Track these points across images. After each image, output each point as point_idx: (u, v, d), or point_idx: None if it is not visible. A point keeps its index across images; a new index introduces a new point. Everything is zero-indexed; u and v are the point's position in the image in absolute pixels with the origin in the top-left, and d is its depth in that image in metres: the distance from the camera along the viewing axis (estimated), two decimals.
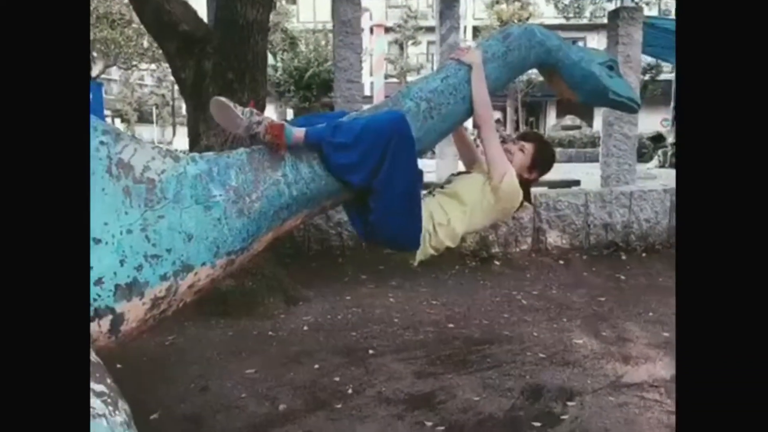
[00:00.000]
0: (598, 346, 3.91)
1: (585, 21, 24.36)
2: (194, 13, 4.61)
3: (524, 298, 4.96)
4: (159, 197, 1.75)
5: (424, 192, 2.29)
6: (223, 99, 1.97)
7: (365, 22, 26.30)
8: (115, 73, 30.22)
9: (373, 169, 1.97)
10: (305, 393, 3.19)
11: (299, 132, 1.98)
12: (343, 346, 3.86)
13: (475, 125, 2.26)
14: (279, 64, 25.08)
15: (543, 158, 2.38)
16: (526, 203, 2.50)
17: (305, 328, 4.20)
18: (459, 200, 2.25)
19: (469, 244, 5.92)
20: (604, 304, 4.83)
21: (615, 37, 6.79)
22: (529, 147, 2.35)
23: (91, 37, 21.33)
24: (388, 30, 27.63)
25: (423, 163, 2.49)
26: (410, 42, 26.44)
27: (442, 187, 2.36)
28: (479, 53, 2.25)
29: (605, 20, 7.48)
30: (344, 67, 6.54)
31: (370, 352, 3.75)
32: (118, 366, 3.49)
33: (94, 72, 24.03)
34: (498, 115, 28.60)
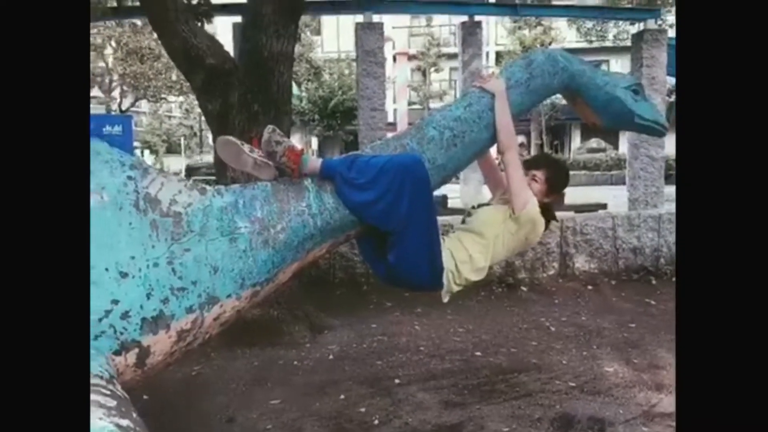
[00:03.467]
0: (629, 373, 3.82)
1: (608, 44, 24.33)
2: (220, 46, 4.71)
3: (552, 325, 4.88)
4: (185, 230, 1.77)
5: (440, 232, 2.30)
6: (228, 137, 2.00)
7: (388, 51, 26.70)
8: (144, 105, 30.99)
9: (388, 209, 1.98)
10: (331, 424, 3.16)
11: (315, 162, 2.00)
12: (369, 375, 3.82)
13: (499, 152, 2.26)
14: (304, 94, 25.47)
15: (557, 180, 2.37)
16: (552, 222, 2.48)
17: (330, 357, 4.18)
18: (479, 235, 2.25)
19: (495, 269, 5.86)
20: (634, 331, 4.73)
21: (639, 60, 6.76)
22: (540, 174, 2.34)
23: (121, 71, 21.98)
24: (410, 58, 27.91)
25: (448, 189, 2.50)
26: (433, 69, 26.65)
27: (462, 222, 2.35)
28: (502, 81, 2.25)
29: (628, 43, 7.45)
30: (367, 95, 6.60)
31: (396, 381, 3.71)
32: (145, 397, 3.51)
33: (124, 105, 24.71)
34: (522, 138, 28.54)
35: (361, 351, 4.28)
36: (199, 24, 5.13)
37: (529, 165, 2.35)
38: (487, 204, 2.46)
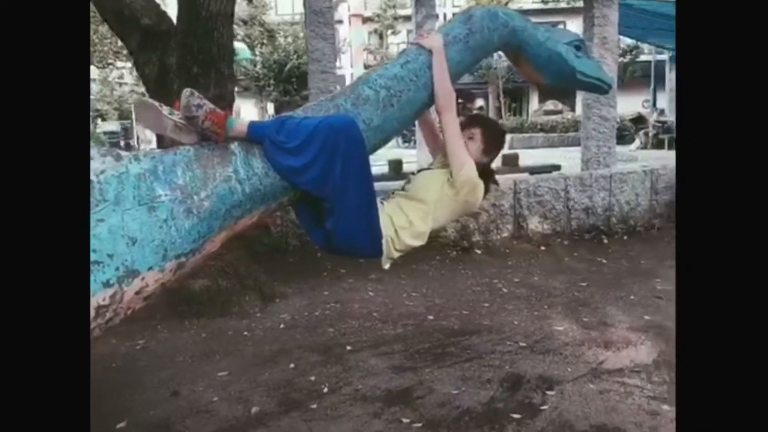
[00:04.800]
0: (579, 332, 3.86)
1: (563, 5, 24.34)
2: (156, 6, 4.48)
3: (505, 286, 4.90)
4: (98, 199, 1.65)
5: (380, 198, 2.22)
6: (146, 99, 1.87)
7: (343, 13, 26.18)
8: (94, 73, 29.78)
9: (321, 174, 1.90)
10: (279, 394, 3.10)
11: (241, 124, 1.89)
12: (320, 343, 3.77)
13: (437, 112, 2.18)
14: (258, 58, 24.83)
15: (493, 139, 2.31)
16: (495, 187, 2.43)
17: (282, 326, 4.11)
18: (419, 200, 2.18)
19: (450, 233, 5.84)
20: (585, 290, 4.79)
21: (591, 19, 6.73)
22: (477, 132, 2.27)
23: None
24: (366, 20, 27.45)
25: (404, 153, 2.42)
26: (390, 32, 26.27)
27: (402, 188, 2.28)
28: (440, 37, 2.16)
29: (582, 4, 7.40)
30: (317, 57, 6.41)
31: (348, 348, 3.67)
32: None
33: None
34: (480, 102, 28.55)
35: (313, 319, 4.22)
36: None
37: (464, 125, 2.27)
38: (428, 168, 2.38)
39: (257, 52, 25.14)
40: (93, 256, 1.61)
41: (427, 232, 2.23)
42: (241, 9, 25.54)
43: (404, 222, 2.16)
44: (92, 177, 1.66)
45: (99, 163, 1.71)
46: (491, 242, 6.03)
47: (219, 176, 1.84)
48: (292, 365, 3.45)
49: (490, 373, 3.28)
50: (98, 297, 1.64)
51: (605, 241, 6.24)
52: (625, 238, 6.34)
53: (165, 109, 1.84)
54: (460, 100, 28.91)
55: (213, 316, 4.24)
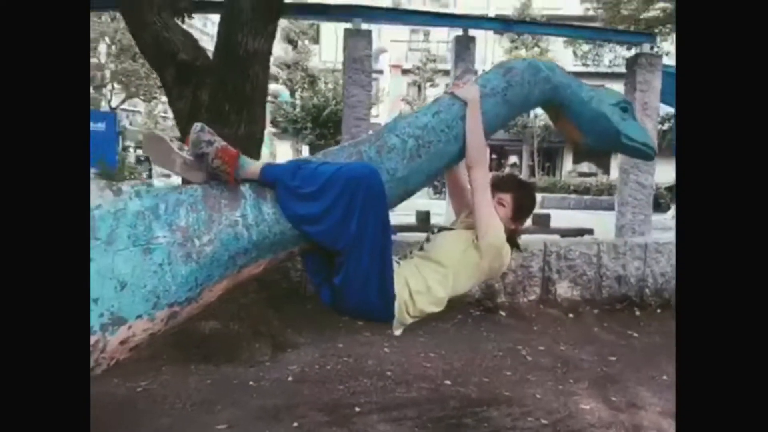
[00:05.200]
0: (607, 413, 3.56)
1: (603, 69, 24.33)
2: (194, 41, 4.47)
3: (529, 354, 4.63)
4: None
5: (395, 257, 2.05)
6: (157, 132, 1.76)
7: (384, 63, 26.60)
8: (140, 105, 30.65)
9: (336, 225, 1.75)
10: None
11: (255, 165, 1.75)
12: (329, 401, 3.55)
13: (467, 167, 2.02)
14: (298, 102, 25.28)
15: (524, 205, 2.15)
16: (535, 245, 2.24)
17: (290, 378, 3.90)
18: (438, 263, 2.01)
19: (474, 291, 5.61)
20: (614, 365, 4.48)
21: (633, 84, 6.58)
22: (507, 198, 2.11)
23: (113, 68, 21.71)
24: (407, 72, 27.84)
25: (431, 204, 2.27)
26: (428, 84, 26.57)
27: (421, 248, 2.11)
28: (477, 88, 2.02)
29: (624, 69, 7.28)
30: (353, 104, 6.38)
31: (356, 409, 3.44)
32: None
33: (114, 102, 24.41)
34: (514, 159, 28.46)
35: (324, 373, 4.01)
36: (180, 19, 4.91)
37: (495, 187, 2.11)
38: (449, 228, 2.21)
39: (297, 96, 25.61)
40: None
41: (445, 299, 2.05)
42: (285, 53, 26.27)
43: (421, 286, 1.98)
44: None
45: (96, 197, 1.58)
46: (517, 305, 5.76)
47: (225, 220, 1.70)
48: (295, 424, 3.23)
49: None
50: None
51: (637, 313, 5.92)
52: (659, 311, 6.01)
53: (175, 144, 1.73)
54: (493, 156, 28.91)
55: (221, 362, 4.05)
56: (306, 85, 25.98)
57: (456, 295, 2.10)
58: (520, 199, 2.14)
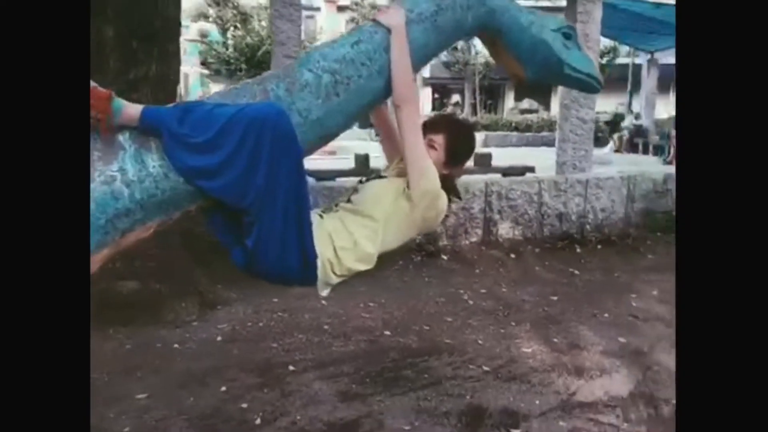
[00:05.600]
0: (549, 356, 3.50)
1: (545, 3, 24.06)
2: None
3: (471, 298, 4.52)
4: None
5: (317, 210, 1.80)
6: None
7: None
8: None
9: (238, 178, 1.49)
10: (202, 424, 2.67)
11: (133, 109, 1.44)
12: (260, 360, 3.34)
13: (394, 105, 1.76)
14: (230, 41, 24.10)
15: (459, 147, 1.89)
16: (455, 199, 2.03)
17: (219, 338, 3.66)
18: (367, 216, 1.76)
19: (415, 236, 5.44)
20: (556, 304, 4.43)
21: (573, 15, 6.36)
22: (439, 139, 1.86)
23: None
24: (344, 9, 26.86)
25: (368, 146, 2.02)
26: (366, 21, 25.78)
27: (348, 200, 1.85)
28: (402, 13, 1.74)
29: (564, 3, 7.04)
30: (282, 41, 5.94)
31: (290, 368, 3.24)
32: None
33: None
34: (456, 97, 28.23)
35: (256, 331, 3.78)
36: None
37: (426, 128, 1.86)
38: (379, 177, 1.97)
39: (230, 35, 24.41)
40: None
41: (375, 255, 1.82)
42: None
43: (347, 242, 1.74)
44: None
45: None
46: (459, 247, 5.64)
47: (99, 176, 1.40)
48: (223, 388, 3.01)
49: (449, 404, 2.90)
50: None
51: (578, 250, 5.92)
52: (599, 247, 6.02)
53: None
54: (435, 95, 28.61)
55: (143, 324, 3.76)
56: (238, 24, 24.74)
57: (387, 250, 1.88)
58: (454, 140, 1.89)
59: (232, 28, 24.36)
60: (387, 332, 3.78)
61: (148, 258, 3.91)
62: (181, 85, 16.00)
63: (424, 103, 25.80)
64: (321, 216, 1.78)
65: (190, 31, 18.91)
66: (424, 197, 1.77)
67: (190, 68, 17.56)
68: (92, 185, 1.38)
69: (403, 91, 1.71)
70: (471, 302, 4.44)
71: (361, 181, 1.94)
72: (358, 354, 3.45)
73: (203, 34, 19.55)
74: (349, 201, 1.86)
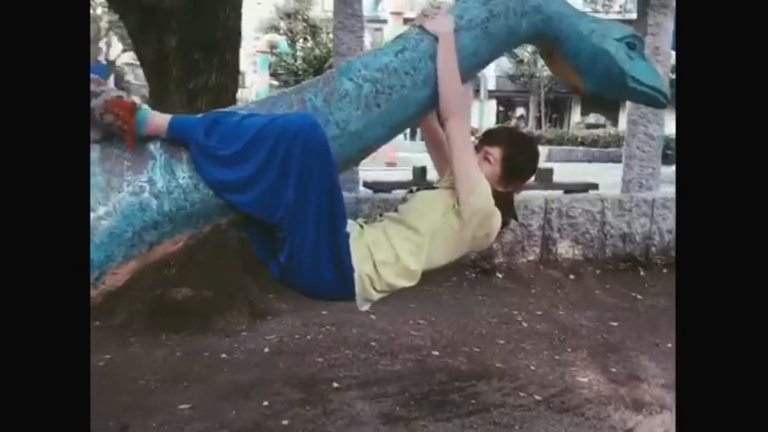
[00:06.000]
0: (606, 387, 3.29)
1: (614, 16, 23.43)
2: None
3: (526, 320, 4.35)
4: None
5: (360, 220, 1.72)
6: None
7: (386, 11, 25.68)
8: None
9: (267, 193, 1.45)
10: None
11: (160, 118, 1.41)
12: (305, 375, 3.29)
13: (441, 118, 1.67)
14: (299, 53, 24.61)
15: (517, 163, 1.76)
16: (513, 221, 1.91)
17: (266, 350, 3.64)
18: (412, 228, 1.67)
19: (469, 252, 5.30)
20: (615, 331, 4.20)
21: (643, 27, 6.08)
22: (495, 153, 1.74)
23: (108, 20, 21.02)
24: (409, 21, 26.97)
25: (429, 158, 1.98)
26: None
27: (396, 210, 1.77)
28: (450, 19, 1.65)
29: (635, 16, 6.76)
30: (343, 52, 5.93)
31: (334, 385, 3.18)
32: None
33: (111, 55, 23.80)
34: (521, 111, 27.80)
35: (303, 344, 3.75)
36: None
37: (483, 140, 1.76)
38: (431, 187, 1.87)
39: (299, 47, 24.93)
40: None
41: (418, 271, 1.72)
42: (286, 2, 25.41)
43: (388, 256, 1.66)
44: None
45: None
46: (515, 266, 5.46)
47: (127, 187, 1.37)
48: (266, 403, 2.97)
49: None
50: None
51: (642, 273, 5.62)
52: (665, 271, 5.69)
53: None
54: (500, 108, 28.25)
55: (194, 332, 3.79)
56: (308, 36, 25.27)
57: (433, 268, 1.78)
58: (512, 155, 1.77)
59: (301, 40, 24.91)
60: (435, 352, 3.67)
61: (201, 265, 3.94)
62: (253, 95, 16.36)
63: (489, 116, 25.51)
64: (362, 227, 1.70)
65: (260, 42, 19.41)
66: (474, 216, 1.67)
67: (259, 79, 17.98)
68: (120, 195, 1.36)
69: (451, 102, 1.62)
70: (525, 324, 4.26)
71: (411, 191, 1.85)
72: (404, 374, 3.35)
73: (272, 46, 19.99)
74: (396, 211, 1.78)
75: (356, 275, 1.63)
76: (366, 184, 6.23)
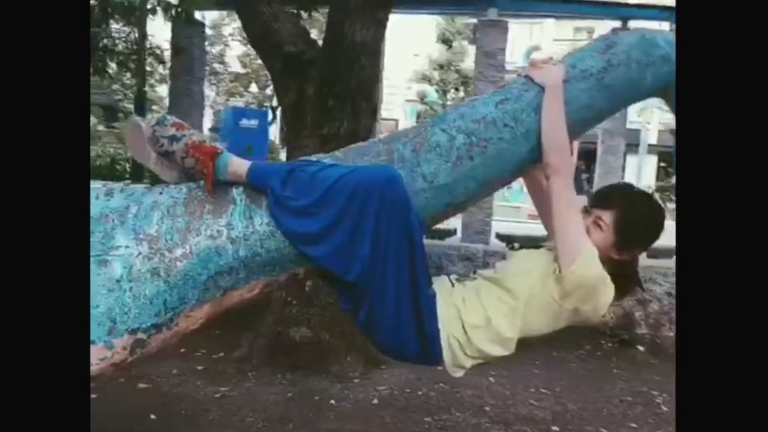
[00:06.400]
0: None
1: None
2: (304, 32, 4.29)
3: (666, 403, 3.83)
4: None
5: (453, 276, 1.58)
6: (136, 119, 1.44)
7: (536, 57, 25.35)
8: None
9: (342, 248, 1.37)
10: None
11: (240, 165, 1.39)
12: None
13: (544, 175, 1.50)
14: (450, 102, 25.01)
15: (634, 227, 1.50)
16: (638, 289, 1.66)
17: (375, 401, 3.53)
18: (507, 291, 1.49)
19: (608, 318, 4.86)
20: None
21: None
22: (607, 217, 1.50)
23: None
24: None
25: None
26: None
27: (494, 268, 1.61)
28: (561, 69, 1.49)
29: None
30: None
31: None
32: (152, 417, 3.12)
33: (276, 102, 25.77)
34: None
35: (413, 400, 3.59)
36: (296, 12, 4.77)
37: (593, 201, 1.55)
38: (535, 246, 1.69)
39: (449, 97, 25.35)
40: None
41: (513, 340, 1.53)
42: (440, 54, 26.08)
43: (478, 318, 1.49)
44: None
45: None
46: (660, 339, 4.89)
47: (205, 230, 1.36)
48: None
49: None
50: None
51: None
52: None
53: (145, 129, 1.41)
54: (661, 164, 26.37)
55: (308, 373, 3.80)
56: (459, 87, 25.65)
57: (530, 336, 1.58)
58: (628, 218, 1.53)
59: (452, 90, 25.34)
60: (555, 428, 3.33)
61: (322, 308, 3.98)
62: None
63: (648, 173, 23.87)
64: (453, 283, 1.56)
65: (411, 92, 20.03)
66: (577, 287, 1.46)
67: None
68: (197, 239, 1.35)
69: (555, 159, 1.44)
70: (665, 408, 3.75)
71: (512, 248, 1.68)
72: None
73: (421, 96, 20.52)
74: (493, 269, 1.62)
75: (443, 337, 1.49)
76: (499, 236, 6.01)
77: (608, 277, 1.48)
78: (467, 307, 1.50)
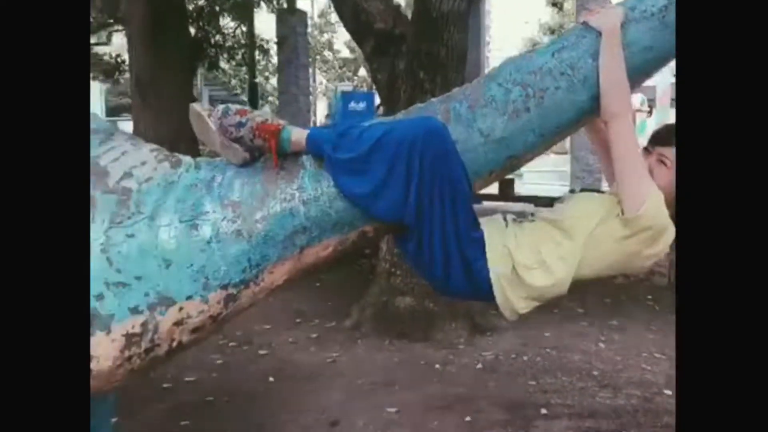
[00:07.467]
0: None
1: None
2: (394, 9, 4.36)
3: None
4: (132, 211, 1.44)
5: (511, 217, 1.59)
6: (196, 107, 1.57)
7: None
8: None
9: (397, 198, 1.43)
10: None
11: (300, 135, 1.49)
12: (514, 397, 3.15)
13: (603, 120, 1.48)
14: None
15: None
16: None
17: (479, 366, 3.59)
18: (565, 232, 1.49)
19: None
20: None
21: None
22: (671, 154, 1.45)
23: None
24: None
25: (548, 160, 1.80)
26: None
27: (553, 206, 1.61)
28: (620, 11, 1.46)
29: None
30: None
31: (542, 411, 2.99)
32: (270, 379, 3.39)
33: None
34: None
35: (518, 364, 3.60)
36: None
37: (654, 140, 1.50)
38: (595, 190, 1.67)
39: None
40: (116, 277, 1.40)
41: (567, 280, 1.52)
42: (551, 18, 25.01)
43: (530, 259, 1.50)
44: (132, 185, 1.47)
45: (149, 168, 1.51)
46: None
47: (280, 194, 1.48)
48: (468, 418, 2.92)
49: None
50: (126, 324, 1.43)
51: None
52: None
53: (213, 121, 1.54)
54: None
55: (415, 340, 3.93)
56: None
57: (583, 279, 1.56)
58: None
59: None
60: (667, 391, 3.20)
61: None
62: None
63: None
64: (506, 222, 1.57)
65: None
66: (645, 230, 1.43)
67: None
68: (273, 202, 1.47)
69: (613, 104, 1.42)
70: None
71: (572, 191, 1.67)
72: (625, 411, 3.00)
73: None
74: (551, 208, 1.62)
75: (493, 277, 1.52)
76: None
77: (672, 223, 1.45)
78: (520, 248, 1.51)
